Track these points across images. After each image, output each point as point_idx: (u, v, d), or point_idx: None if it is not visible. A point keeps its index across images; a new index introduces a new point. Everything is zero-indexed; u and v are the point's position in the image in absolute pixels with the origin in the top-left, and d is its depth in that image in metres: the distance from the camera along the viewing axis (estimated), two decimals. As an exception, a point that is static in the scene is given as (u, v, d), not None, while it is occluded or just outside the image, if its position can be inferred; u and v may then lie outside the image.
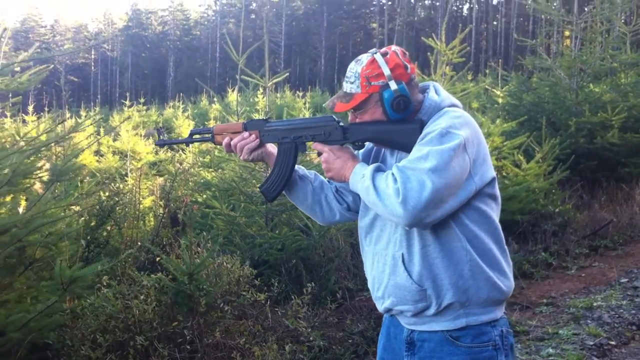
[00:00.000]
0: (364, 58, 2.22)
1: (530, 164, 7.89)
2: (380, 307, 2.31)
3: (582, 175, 9.58)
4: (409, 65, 2.21)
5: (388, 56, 2.19)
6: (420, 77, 7.19)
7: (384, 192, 2.00)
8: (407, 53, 2.25)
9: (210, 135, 2.51)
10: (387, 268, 2.22)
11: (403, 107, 2.16)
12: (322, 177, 2.53)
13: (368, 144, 2.38)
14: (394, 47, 2.24)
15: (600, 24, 11.82)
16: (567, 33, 22.01)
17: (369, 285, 2.36)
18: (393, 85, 2.15)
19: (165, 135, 2.63)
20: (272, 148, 2.48)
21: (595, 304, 5.64)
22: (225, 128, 2.49)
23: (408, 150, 2.12)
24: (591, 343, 4.77)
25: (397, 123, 2.20)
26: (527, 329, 5.16)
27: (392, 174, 2.00)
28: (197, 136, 2.60)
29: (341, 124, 2.32)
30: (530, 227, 7.59)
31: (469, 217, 2.12)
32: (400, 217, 1.96)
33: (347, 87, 2.24)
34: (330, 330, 4.97)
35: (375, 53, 2.21)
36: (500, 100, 11.20)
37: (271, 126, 2.42)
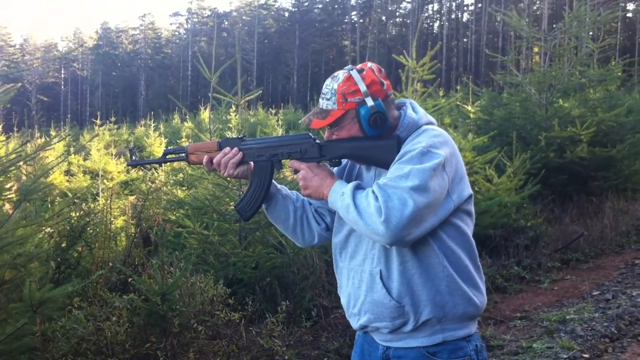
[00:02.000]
0: (340, 74, 2.22)
1: (501, 179, 7.96)
2: (355, 324, 2.30)
3: (553, 189, 9.67)
4: (384, 82, 2.22)
5: (364, 72, 2.19)
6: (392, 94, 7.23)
7: (365, 211, 1.99)
8: (382, 70, 2.26)
9: (184, 154, 2.48)
10: (363, 284, 2.21)
11: (380, 124, 2.16)
12: (302, 196, 2.50)
13: (342, 160, 2.37)
14: (369, 64, 2.24)
15: (569, 41, 11.99)
16: (536, 49, 22.35)
17: (344, 302, 2.35)
18: (369, 102, 2.16)
19: (138, 155, 2.58)
20: None
21: (568, 317, 5.68)
22: (199, 147, 2.46)
23: (386, 166, 2.13)
24: (565, 356, 4.80)
25: (375, 139, 2.19)
26: (502, 343, 5.18)
27: (373, 192, 2.00)
28: (171, 156, 2.55)
29: (317, 141, 2.31)
30: (503, 241, 7.64)
31: (446, 233, 2.13)
32: (382, 235, 1.95)
33: (323, 103, 2.24)
34: (306, 348, 4.94)
35: (352, 69, 2.21)
36: (471, 115, 11.29)
37: (246, 144, 2.40)
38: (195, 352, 4.17)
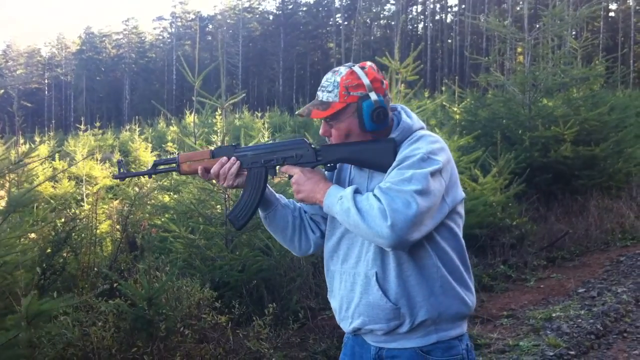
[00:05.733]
0: (343, 69, 2.23)
1: (486, 178, 7.99)
2: (348, 327, 2.28)
3: (538, 188, 9.71)
4: (384, 81, 2.24)
5: (366, 69, 2.21)
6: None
7: (367, 214, 1.98)
8: (381, 71, 2.28)
9: (175, 165, 2.41)
10: (357, 287, 2.20)
11: (382, 118, 2.18)
12: (299, 205, 2.49)
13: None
14: (369, 63, 2.26)
15: (551, 40, 12.05)
16: (519, 50, 22.45)
17: (335, 306, 2.34)
18: (373, 96, 2.17)
19: (125, 167, 2.50)
20: None
21: (554, 315, 5.72)
22: (191, 156, 2.39)
23: (382, 169, 2.14)
24: (551, 354, 4.83)
25: (371, 143, 2.21)
26: (489, 341, 5.20)
27: (375, 195, 2.00)
28: (162, 166, 2.47)
29: (313, 146, 2.30)
30: (489, 240, 7.67)
31: (439, 235, 2.15)
32: (386, 237, 1.95)
33: (323, 95, 2.23)
34: (293, 350, 4.93)
35: (353, 66, 2.23)
36: (456, 116, 11.33)
37: (241, 152, 2.36)
38: (182, 356, 4.16)
